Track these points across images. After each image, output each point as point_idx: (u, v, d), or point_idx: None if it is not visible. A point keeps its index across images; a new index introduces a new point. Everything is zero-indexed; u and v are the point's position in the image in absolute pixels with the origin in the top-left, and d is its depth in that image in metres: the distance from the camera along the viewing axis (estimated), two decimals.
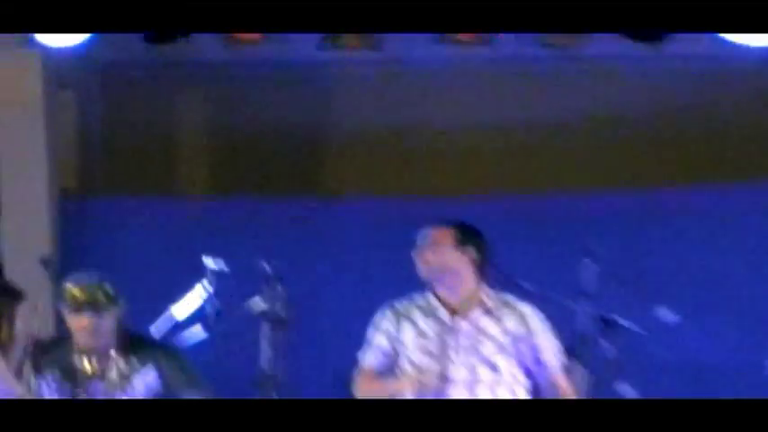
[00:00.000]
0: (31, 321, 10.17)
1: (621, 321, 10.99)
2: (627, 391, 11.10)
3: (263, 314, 10.67)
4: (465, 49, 13.97)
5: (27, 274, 11.74)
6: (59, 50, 13.49)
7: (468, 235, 9.94)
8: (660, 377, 13.10)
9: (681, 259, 14.20)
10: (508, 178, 15.08)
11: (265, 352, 10.64)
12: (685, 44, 13.49)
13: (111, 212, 14.95)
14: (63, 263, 12.54)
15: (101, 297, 10.19)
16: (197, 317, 11.26)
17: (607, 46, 13.64)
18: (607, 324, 10.92)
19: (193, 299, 11.34)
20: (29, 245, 13.69)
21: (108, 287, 10.26)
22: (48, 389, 10.34)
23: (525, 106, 15.10)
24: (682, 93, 14.95)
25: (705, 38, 13.26)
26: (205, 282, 11.11)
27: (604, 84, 14.90)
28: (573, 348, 10.52)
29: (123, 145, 15.56)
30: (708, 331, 13.78)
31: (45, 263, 11.25)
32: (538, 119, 15.28)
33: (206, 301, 11.22)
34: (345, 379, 10.66)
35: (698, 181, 14.85)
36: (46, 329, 11.14)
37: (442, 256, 9.86)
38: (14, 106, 14.39)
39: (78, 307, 10.14)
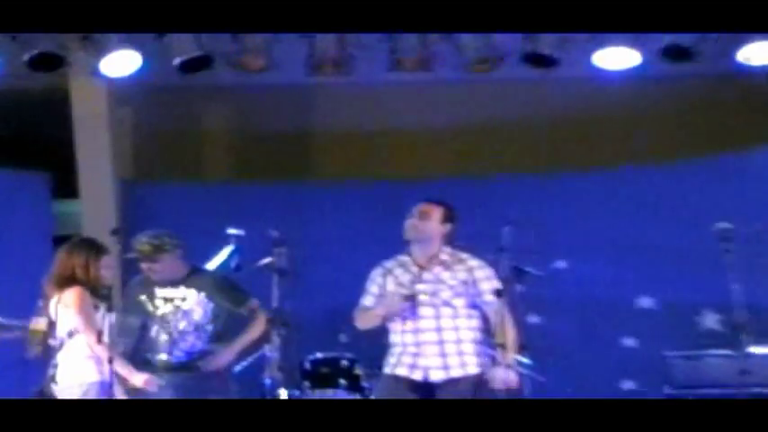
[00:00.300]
0: (110, 270, 10.78)
1: (529, 269, 12.08)
2: (533, 318, 12.61)
3: (272, 267, 11.30)
4: (411, 74, 14.18)
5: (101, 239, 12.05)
6: (119, 78, 14.13)
7: (450, 213, 10.63)
8: (556, 307, 13.76)
9: (572, 224, 14.64)
10: (452, 168, 15.68)
11: (274, 294, 11.20)
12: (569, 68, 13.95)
13: (158, 196, 15.50)
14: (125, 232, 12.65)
15: (165, 242, 11.34)
16: (224, 268, 12.25)
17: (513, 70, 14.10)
18: (520, 272, 11.89)
19: (221, 256, 12.33)
20: (100, 220, 14.39)
21: (167, 235, 11.48)
22: (121, 319, 11.19)
23: (456, 114, 15.77)
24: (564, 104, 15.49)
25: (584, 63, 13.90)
26: (231, 245, 12.13)
27: (513, 97, 15.32)
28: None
29: (165, 144, 16.27)
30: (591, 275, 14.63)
31: (114, 231, 11.72)
32: (467, 123, 15.93)
33: (230, 258, 12.17)
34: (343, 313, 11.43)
35: (584, 168, 15.44)
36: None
37: (427, 225, 10.49)
38: (89, 118, 15.15)
39: (148, 254, 11.28)
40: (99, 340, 10.41)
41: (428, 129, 15.97)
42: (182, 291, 11.57)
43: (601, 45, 13.42)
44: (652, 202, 14.78)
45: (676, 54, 13.33)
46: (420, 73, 14.04)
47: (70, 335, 10.68)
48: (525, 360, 11.78)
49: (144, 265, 11.45)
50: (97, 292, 10.64)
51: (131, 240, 11.65)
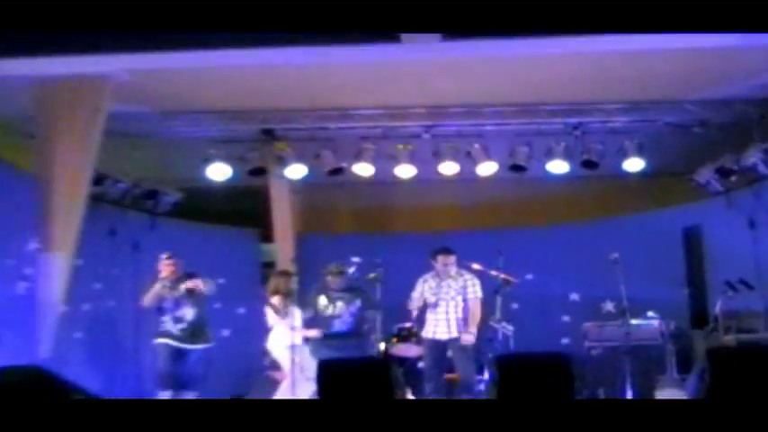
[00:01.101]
0: (293, 284, 11.97)
1: (512, 278, 12.53)
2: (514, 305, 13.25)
3: (376, 279, 12.09)
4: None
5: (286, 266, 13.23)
6: (294, 179, 14.31)
7: (458, 257, 12.02)
8: (526, 300, 14.02)
9: (537, 254, 14.87)
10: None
11: (377, 293, 12.10)
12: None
13: (314, 241, 15.36)
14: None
15: (341, 267, 12.22)
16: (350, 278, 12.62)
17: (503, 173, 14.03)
18: (507, 281, 12.46)
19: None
20: (286, 255, 14.33)
21: (341, 264, 12.34)
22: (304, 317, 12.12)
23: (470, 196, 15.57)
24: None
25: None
26: (353, 266, 12.57)
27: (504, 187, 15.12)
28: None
29: (315, 214, 16.32)
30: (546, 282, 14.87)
31: (293, 260, 12.97)
32: (476, 202, 15.67)
33: (353, 273, 12.62)
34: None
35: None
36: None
37: (447, 262, 11.94)
38: (278, 200, 15.11)
39: (334, 273, 12.23)
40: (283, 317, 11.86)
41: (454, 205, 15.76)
42: (345, 294, 12.40)
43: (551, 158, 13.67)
44: (579, 243, 14.76)
45: (589, 164, 13.62)
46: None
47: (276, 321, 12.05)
48: (510, 327, 12.55)
49: (329, 278, 12.25)
50: (289, 296, 11.86)
51: (326, 266, 12.45)
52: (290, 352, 11.64)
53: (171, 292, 11.75)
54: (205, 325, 11.95)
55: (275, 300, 12.04)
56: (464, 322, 11.91)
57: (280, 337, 11.94)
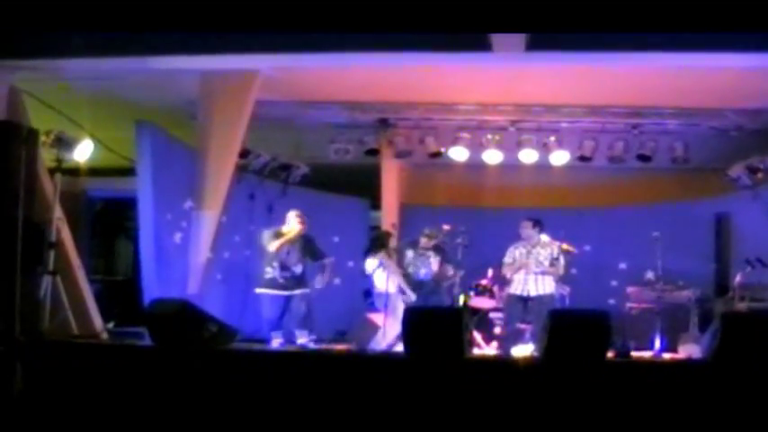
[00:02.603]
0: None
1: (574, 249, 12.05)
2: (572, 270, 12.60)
3: (462, 243, 12.18)
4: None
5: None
6: (400, 158, 14.71)
7: (538, 222, 11.73)
8: (583, 266, 13.38)
9: (594, 230, 14.54)
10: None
11: (459, 255, 12.16)
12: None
13: (414, 211, 15.13)
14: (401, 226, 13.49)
15: (434, 233, 12.07)
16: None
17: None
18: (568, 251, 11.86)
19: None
20: (389, 220, 13.86)
21: (434, 230, 12.22)
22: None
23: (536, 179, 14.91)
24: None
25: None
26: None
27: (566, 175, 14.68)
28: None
29: (418, 187, 15.87)
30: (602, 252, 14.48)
31: (393, 225, 13.02)
32: (546, 187, 15.08)
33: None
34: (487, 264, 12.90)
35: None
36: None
37: (527, 230, 11.67)
38: (387, 175, 15.04)
39: (429, 236, 12.06)
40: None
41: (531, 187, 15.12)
42: (429, 252, 12.21)
43: (612, 151, 13.71)
44: (629, 223, 14.35)
45: (643, 158, 13.64)
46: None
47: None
48: (567, 288, 12.26)
49: (423, 239, 12.09)
50: (390, 253, 11.85)
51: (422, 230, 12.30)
52: (385, 296, 11.59)
53: (293, 245, 11.46)
54: (306, 276, 11.60)
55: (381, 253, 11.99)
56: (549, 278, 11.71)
57: (378, 283, 11.96)
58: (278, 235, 11.41)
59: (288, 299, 11.28)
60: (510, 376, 7.80)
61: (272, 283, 11.34)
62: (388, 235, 12.50)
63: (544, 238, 11.79)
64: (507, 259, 11.83)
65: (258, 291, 11.45)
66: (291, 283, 11.34)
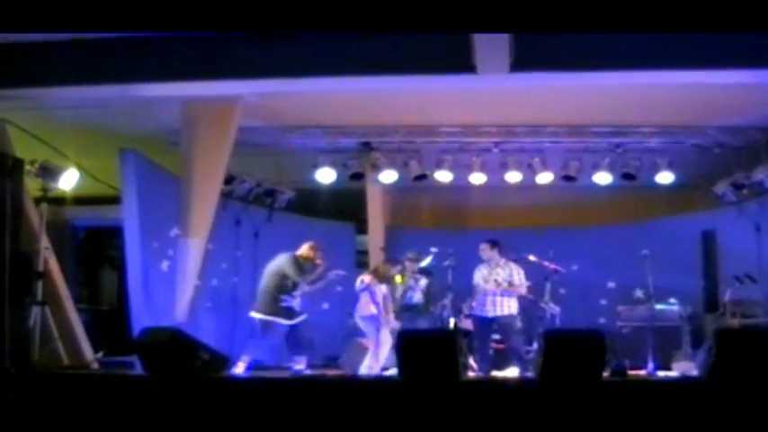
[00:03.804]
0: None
1: (560, 268, 12.37)
2: (561, 290, 12.96)
3: (450, 264, 12.14)
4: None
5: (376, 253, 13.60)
6: (387, 183, 14.26)
7: (496, 243, 11.93)
8: (571, 285, 13.66)
9: (582, 250, 14.54)
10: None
11: (449, 277, 12.11)
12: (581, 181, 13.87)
13: (399, 234, 15.13)
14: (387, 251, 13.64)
15: (417, 256, 12.18)
16: (428, 266, 12.69)
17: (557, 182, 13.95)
18: (556, 270, 12.28)
19: (427, 260, 12.66)
20: (377, 244, 14.47)
21: (415, 253, 12.39)
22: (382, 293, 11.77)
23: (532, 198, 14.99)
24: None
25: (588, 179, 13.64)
26: (431, 255, 12.63)
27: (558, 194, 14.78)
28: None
29: (402, 210, 15.93)
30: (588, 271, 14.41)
31: (382, 249, 13.49)
32: (537, 205, 15.21)
33: (431, 261, 12.63)
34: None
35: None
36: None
37: (487, 252, 11.89)
38: (373, 200, 15.00)
39: (412, 260, 12.15)
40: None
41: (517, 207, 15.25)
42: (417, 275, 12.37)
43: (596, 170, 13.65)
44: (616, 241, 14.45)
45: (627, 176, 13.55)
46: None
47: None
48: (557, 308, 12.31)
49: (407, 263, 12.16)
50: (382, 279, 11.75)
51: (404, 254, 12.47)
52: (372, 321, 11.61)
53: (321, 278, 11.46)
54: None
55: (367, 278, 11.89)
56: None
57: (364, 308, 11.86)
58: (297, 262, 11.28)
59: (294, 325, 11.20)
60: (507, 398, 7.75)
61: (289, 312, 11.15)
62: (388, 263, 12.43)
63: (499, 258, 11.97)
64: (474, 281, 12.01)
65: (261, 317, 11.19)
66: (299, 310, 11.32)
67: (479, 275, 11.98)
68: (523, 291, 11.89)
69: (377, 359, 11.37)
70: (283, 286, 11.16)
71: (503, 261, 11.95)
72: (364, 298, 11.79)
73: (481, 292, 11.89)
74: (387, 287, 11.93)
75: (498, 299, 11.74)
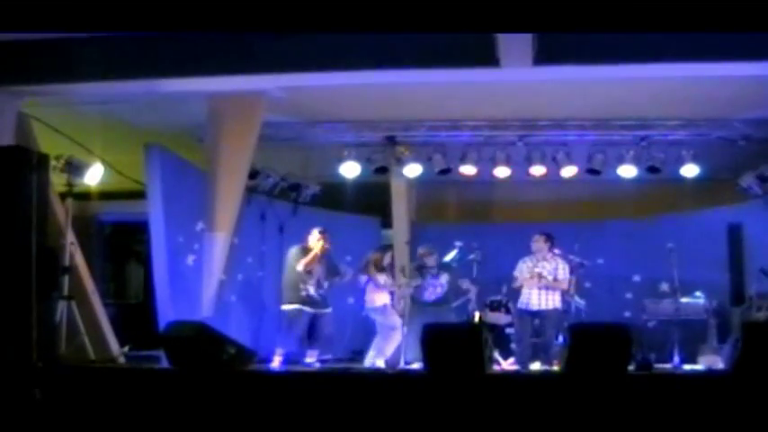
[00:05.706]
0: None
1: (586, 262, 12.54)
2: (587, 284, 12.96)
3: (474, 259, 12.11)
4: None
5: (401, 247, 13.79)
6: (412, 177, 14.23)
7: (550, 237, 11.96)
8: (596, 279, 13.52)
9: (607, 242, 14.56)
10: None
11: (474, 271, 12.10)
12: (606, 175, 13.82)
13: (424, 229, 15.04)
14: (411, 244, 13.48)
15: (433, 250, 12.05)
16: (452, 260, 12.56)
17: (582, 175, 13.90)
18: (582, 264, 12.42)
19: (452, 254, 12.57)
20: (401, 239, 14.46)
21: (431, 247, 12.29)
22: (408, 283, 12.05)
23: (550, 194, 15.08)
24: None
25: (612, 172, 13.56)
26: (456, 249, 12.59)
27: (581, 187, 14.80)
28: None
29: (428, 205, 16.14)
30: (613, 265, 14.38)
31: (407, 242, 13.31)
32: (555, 202, 15.24)
33: (456, 254, 12.54)
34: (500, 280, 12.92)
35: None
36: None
37: (539, 243, 11.88)
38: (397, 194, 15.18)
39: (426, 254, 12.04)
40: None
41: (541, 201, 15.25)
42: (436, 270, 12.22)
43: (621, 164, 13.60)
44: (641, 235, 14.42)
45: (652, 170, 13.49)
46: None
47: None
48: (582, 301, 12.43)
49: (425, 258, 12.11)
50: (378, 266, 11.89)
51: (418, 248, 12.53)
52: (383, 311, 11.76)
53: (319, 263, 11.52)
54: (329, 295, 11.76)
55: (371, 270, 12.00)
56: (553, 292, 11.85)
57: (376, 299, 11.98)
58: (305, 251, 11.46)
59: (316, 316, 11.29)
60: (532, 392, 7.75)
61: (309, 300, 11.29)
62: (382, 251, 12.52)
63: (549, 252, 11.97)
64: (516, 273, 12.02)
65: (290, 307, 11.30)
66: (323, 300, 11.43)
67: (524, 267, 12.00)
68: (565, 286, 11.91)
69: (382, 351, 11.56)
70: (293, 276, 11.30)
71: (550, 255, 11.98)
72: (370, 289, 11.91)
73: (523, 284, 11.91)
74: (386, 275, 12.03)
75: (543, 292, 11.78)
